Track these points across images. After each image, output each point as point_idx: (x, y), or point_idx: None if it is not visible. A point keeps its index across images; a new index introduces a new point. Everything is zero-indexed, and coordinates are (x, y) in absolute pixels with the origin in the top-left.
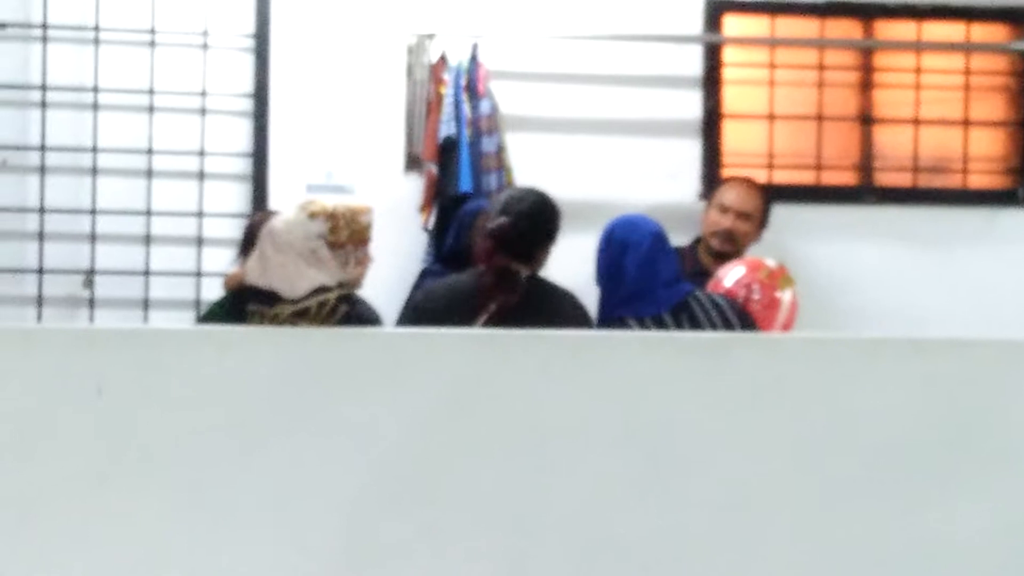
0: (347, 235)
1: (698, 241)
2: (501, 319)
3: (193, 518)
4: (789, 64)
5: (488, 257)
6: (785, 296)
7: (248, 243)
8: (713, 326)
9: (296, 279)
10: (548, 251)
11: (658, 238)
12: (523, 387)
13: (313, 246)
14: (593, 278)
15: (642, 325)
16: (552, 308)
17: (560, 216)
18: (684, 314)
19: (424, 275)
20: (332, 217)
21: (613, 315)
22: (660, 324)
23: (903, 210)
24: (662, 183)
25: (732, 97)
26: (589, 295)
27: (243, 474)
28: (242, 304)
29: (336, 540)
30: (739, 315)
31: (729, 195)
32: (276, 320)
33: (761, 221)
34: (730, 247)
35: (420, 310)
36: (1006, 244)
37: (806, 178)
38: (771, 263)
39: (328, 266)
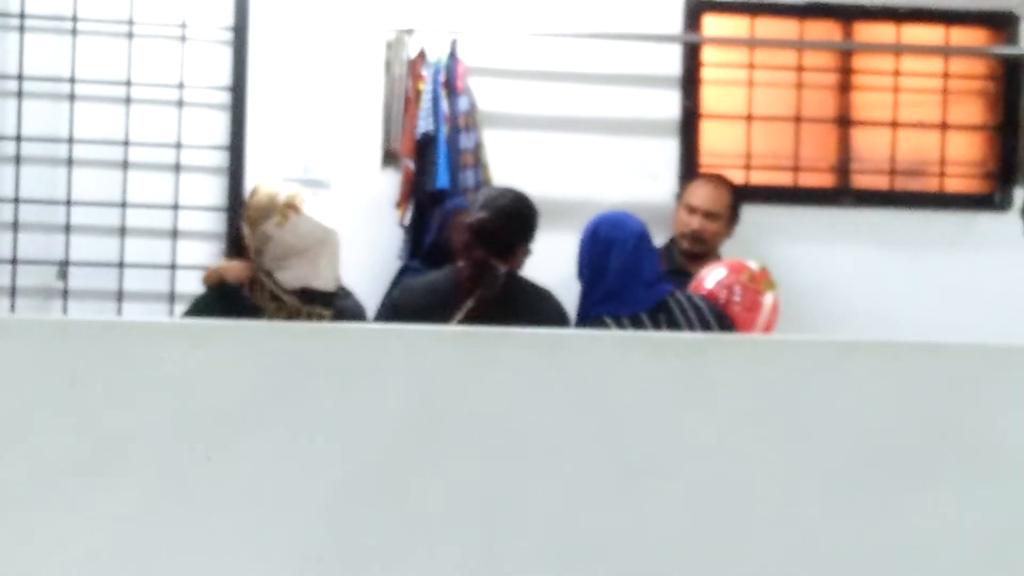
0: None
1: (673, 241)
2: (479, 314)
3: (168, 513)
4: (768, 65)
5: (467, 250)
6: (767, 299)
7: (237, 242)
8: (691, 327)
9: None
10: (526, 250)
11: (643, 237)
12: (499, 385)
13: (334, 240)
14: (571, 276)
15: (619, 324)
16: (530, 306)
17: (538, 216)
18: (662, 314)
19: (403, 272)
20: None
21: (591, 313)
22: (637, 323)
23: (880, 213)
24: (640, 182)
25: (711, 97)
26: (567, 293)
27: (218, 469)
28: (226, 301)
29: (312, 537)
30: (717, 317)
31: (696, 195)
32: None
33: (730, 219)
34: (700, 247)
35: (397, 307)
36: (983, 248)
37: (783, 179)
38: (754, 265)
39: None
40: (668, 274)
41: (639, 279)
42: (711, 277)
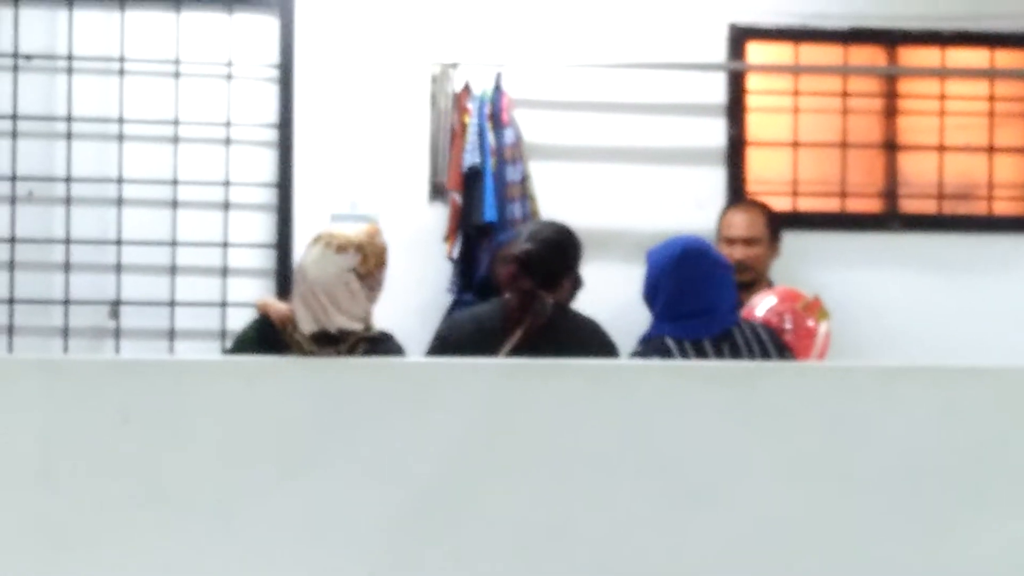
0: (374, 262)
1: None
2: (527, 346)
3: (220, 549)
4: (813, 91)
5: (513, 282)
6: (820, 328)
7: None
8: (752, 356)
9: (325, 323)
10: (573, 282)
11: (727, 267)
12: (549, 416)
13: (346, 280)
14: (620, 305)
15: (680, 347)
16: (577, 337)
17: (581, 247)
18: (726, 343)
19: (456, 305)
20: (360, 248)
21: (658, 332)
22: (699, 349)
23: (928, 237)
24: (686, 211)
25: (756, 124)
26: (616, 323)
27: (270, 504)
28: (273, 328)
29: (365, 566)
30: (778, 347)
31: (732, 226)
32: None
33: (772, 240)
34: (748, 276)
35: (445, 340)
36: None
37: (830, 206)
38: (807, 295)
39: (359, 298)
40: None
41: (720, 306)
42: (762, 305)
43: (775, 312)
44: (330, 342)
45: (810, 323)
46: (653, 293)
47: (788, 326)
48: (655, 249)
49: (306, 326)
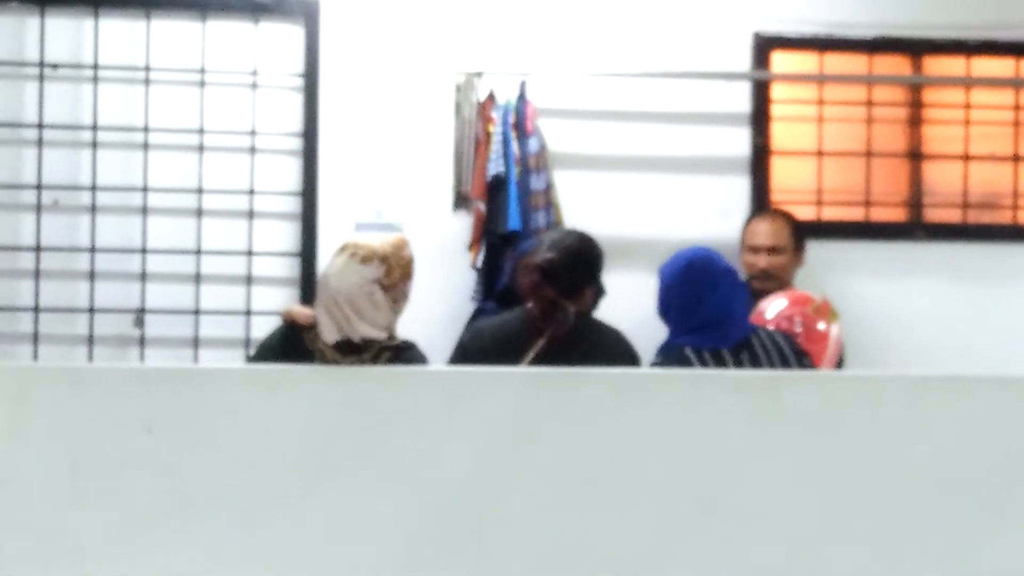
0: (399, 274)
1: (746, 283)
2: (549, 354)
3: (244, 557)
4: (837, 100)
5: (535, 291)
6: (833, 330)
7: None
8: (772, 365)
9: (349, 332)
10: (596, 291)
11: (735, 275)
12: (573, 425)
13: (369, 291)
14: (644, 314)
15: (700, 357)
16: (600, 346)
17: (603, 256)
18: (745, 351)
19: (478, 314)
20: (384, 260)
21: (676, 342)
22: (718, 359)
23: (953, 246)
24: (711, 220)
25: (781, 133)
26: (640, 331)
27: (294, 513)
28: (297, 336)
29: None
30: (797, 354)
31: (756, 235)
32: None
33: (796, 249)
34: (772, 284)
35: (467, 350)
36: None
37: (855, 214)
38: (816, 298)
39: (382, 309)
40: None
41: (732, 315)
42: (771, 308)
43: (785, 316)
44: (353, 351)
45: (821, 326)
46: (666, 308)
47: (799, 329)
48: (664, 264)
49: (329, 335)
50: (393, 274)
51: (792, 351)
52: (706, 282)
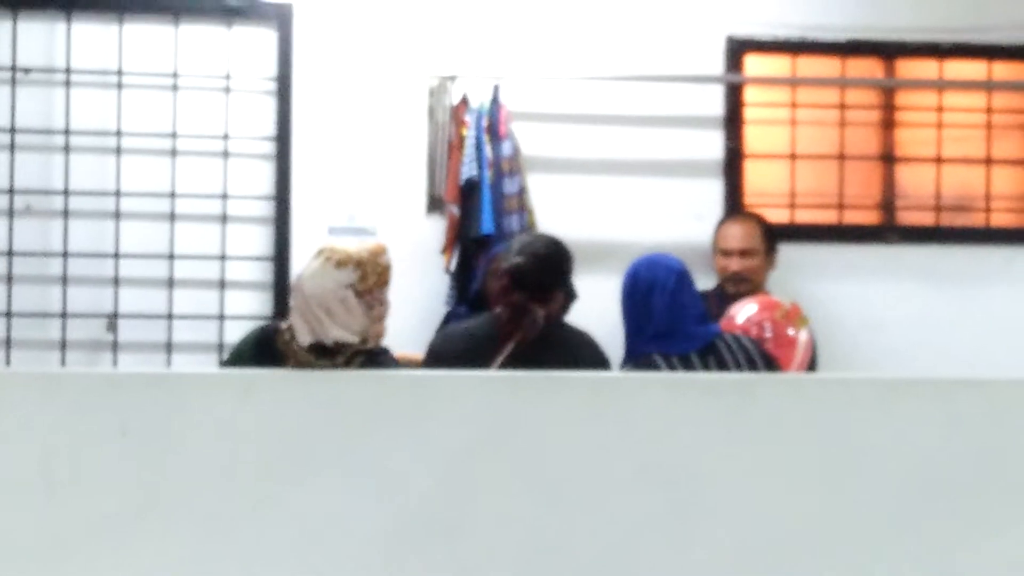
0: (374, 280)
1: (720, 285)
2: (519, 359)
3: (217, 561)
4: (810, 103)
5: (505, 296)
6: (801, 335)
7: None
8: (739, 368)
9: (321, 335)
10: (567, 294)
11: (683, 275)
12: (544, 429)
13: (342, 296)
14: (616, 318)
15: (669, 363)
16: (570, 350)
17: (572, 259)
18: (711, 355)
19: (449, 318)
20: (360, 265)
21: (640, 351)
22: (687, 364)
23: (925, 249)
24: (685, 223)
25: (754, 137)
26: (613, 335)
27: (267, 516)
28: (270, 340)
29: None
30: (763, 357)
31: (727, 238)
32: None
33: (768, 251)
34: (745, 287)
35: (437, 354)
36: None
37: (828, 217)
38: (785, 303)
39: (355, 314)
40: (717, 318)
41: (685, 316)
42: (742, 313)
43: (755, 321)
44: (327, 354)
45: (790, 331)
46: (624, 317)
47: (768, 334)
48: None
49: (303, 338)
50: (368, 280)
51: (760, 355)
52: (656, 289)
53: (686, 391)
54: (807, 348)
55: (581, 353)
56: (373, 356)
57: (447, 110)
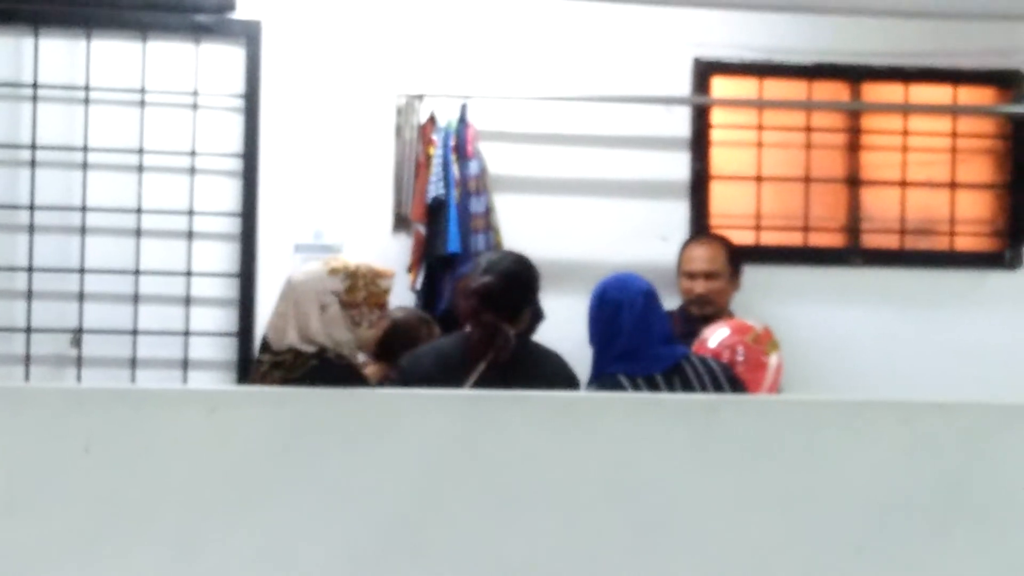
0: (363, 296)
1: (684, 307)
2: (491, 378)
3: None
4: (777, 126)
5: (475, 315)
6: (771, 359)
7: None
8: (704, 390)
9: (283, 333)
10: (534, 313)
11: (650, 295)
12: (511, 448)
13: (325, 301)
14: (583, 338)
15: (634, 383)
16: (539, 369)
17: (539, 278)
18: (677, 377)
19: None
20: (351, 276)
21: (606, 371)
22: (652, 384)
23: (890, 272)
24: (651, 244)
25: (720, 158)
26: (579, 354)
27: (233, 534)
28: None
29: None
30: (730, 380)
31: (692, 260)
32: (260, 368)
33: (732, 273)
34: (710, 308)
35: (407, 374)
36: (993, 306)
37: (793, 239)
38: (757, 326)
39: (336, 323)
40: (682, 337)
41: (651, 337)
42: (714, 337)
43: (727, 345)
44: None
45: (762, 356)
46: (590, 337)
47: (740, 358)
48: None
49: (272, 334)
50: (356, 293)
51: (727, 378)
52: (623, 309)
53: (650, 412)
54: (777, 371)
55: (550, 372)
56: (327, 363)
57: (414, 129)
